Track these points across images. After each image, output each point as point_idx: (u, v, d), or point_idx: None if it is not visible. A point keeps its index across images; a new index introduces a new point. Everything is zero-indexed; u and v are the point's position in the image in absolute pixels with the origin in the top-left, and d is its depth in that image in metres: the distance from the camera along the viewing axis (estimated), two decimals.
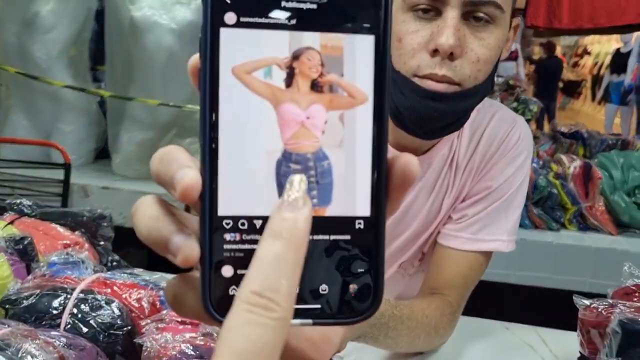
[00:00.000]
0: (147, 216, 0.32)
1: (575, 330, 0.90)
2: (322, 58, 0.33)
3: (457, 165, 0.98)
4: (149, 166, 0.34)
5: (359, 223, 0.32)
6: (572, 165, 1.97)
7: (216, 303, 0.31)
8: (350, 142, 0.33)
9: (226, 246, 0.31)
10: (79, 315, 0.72)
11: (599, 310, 0.80)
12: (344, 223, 0.31)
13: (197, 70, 0.33)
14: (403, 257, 1.05)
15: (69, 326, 0.71)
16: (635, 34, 5.50)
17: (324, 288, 0.31)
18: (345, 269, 0.31)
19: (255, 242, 0.32)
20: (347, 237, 0.31)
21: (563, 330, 1.04)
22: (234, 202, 0.32)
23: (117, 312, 0.72)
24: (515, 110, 2.24)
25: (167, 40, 2.13)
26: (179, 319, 0.69)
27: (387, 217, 0.33)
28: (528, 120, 2.30)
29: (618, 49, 6.79)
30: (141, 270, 0.85)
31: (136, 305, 0.76)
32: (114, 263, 1.02)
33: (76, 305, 0.73)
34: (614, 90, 6.33)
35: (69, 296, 0.73)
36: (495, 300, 1.43)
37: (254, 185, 0.32)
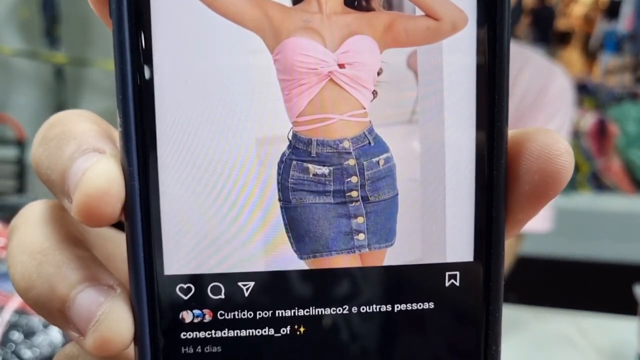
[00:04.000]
0: (27, 251, 0.17)
1: (608, 311, 0.80)
2: None
3: None
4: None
5: (452, 277, 0.17)
6: (585, 120, 1.82)
7: None
8: (435, 115, 0.16)
9: (185, 334, 0.16)
10: (11, 346, 0.60)
11: None
12: (423, 278, 0.17)
13: None
14: None
15: None
16: None
17: None
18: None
19: (242, 324, 0.15)
20: (430, 304, 0.17)
21: (597, 313, 0.92)
22: (197, 248, 0.16)
23: (58, 337, 0.60)
24: None
25: None
26: None
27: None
28: None
29: None
30: None
31: None
32: None
33: (7, 332, 0.60)
34: (607, 38, 6.21)
35: None
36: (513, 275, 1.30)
37: (233, 212, 0.16)
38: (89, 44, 2.05)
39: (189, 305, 0.16)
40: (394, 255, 0.17)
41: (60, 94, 2.30)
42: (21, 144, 1.86)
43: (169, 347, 0.16)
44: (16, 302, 0.62)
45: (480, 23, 0.16)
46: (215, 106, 0.15)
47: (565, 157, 0.16)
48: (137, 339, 0.16)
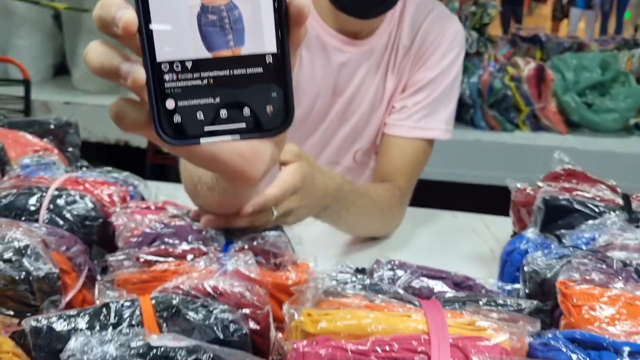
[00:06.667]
0: (98, 52, 0.38)
1: None
2: None
3: (397, 51, 1.07)
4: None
5: (269, 57, 0.38)
6: (527, 67, 2.04)
7: (163, 127, 0.38)
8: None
9: (167, 85, 0.37)
10: (56, 210, 0.75)
11: (528, 191, 0.89)
12: (256, 59, 0.37)
13: None
14: (355, 145, 1.13)
15: (47, 220, 0.74)
16: None
17: (246, 111, 0.38)
18: (262, 95, 0.38)
19: (189, 79, 0.38)
20: (260, 69, 0.38)
21: (506, 216, 1.13)
22: (168, 49, 0.37)
23: (90, 205, 0.76)
24: (474, 14, 2.27)
25: None
26: (144, 206, 0.76)
27: (292, 52, 0.38)
28: (486, 24, 2.35)
29: None
30: (110, 168, 0.89)
31: (107, 200, 0.80)
32: (83, 168, 1.05)
33: (52, 201, 0.76)
34: None
35: (44, 194, 0.76)
36: (449, 197, 1.52)
37: (182, 35, 0.38)
38: None
39: (167, 71, 0.37)
40: (245, 50, 0.37)
41: (59, 38, 2.45)
42: (26, 83, 2.01)
43: (160, 88, 0.37)
44: (57, 183, 0.79)
45: None
46: None
47: (304, 4, 0.37)
48: (147, 81, 0.36)
